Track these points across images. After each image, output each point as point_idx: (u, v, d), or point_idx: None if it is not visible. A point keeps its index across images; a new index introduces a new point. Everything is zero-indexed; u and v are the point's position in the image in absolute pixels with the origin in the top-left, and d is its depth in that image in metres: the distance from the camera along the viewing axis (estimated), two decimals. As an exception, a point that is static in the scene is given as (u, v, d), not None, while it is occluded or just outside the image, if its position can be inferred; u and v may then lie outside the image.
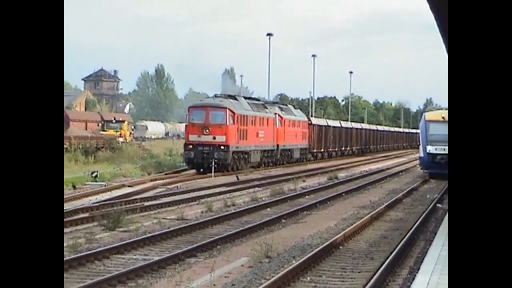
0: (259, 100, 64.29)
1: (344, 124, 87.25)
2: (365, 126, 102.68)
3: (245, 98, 56.71)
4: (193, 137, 47.09)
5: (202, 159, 46.30)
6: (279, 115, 59.18)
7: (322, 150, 73.34)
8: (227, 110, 47.70)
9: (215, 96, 52.21)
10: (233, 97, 52.79)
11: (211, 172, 44.75)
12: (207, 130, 46.61)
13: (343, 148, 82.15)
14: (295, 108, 71.65)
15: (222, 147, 46.38)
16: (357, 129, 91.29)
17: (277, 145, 58.11)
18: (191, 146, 46.71)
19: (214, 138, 46.50)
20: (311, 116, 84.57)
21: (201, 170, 46.56)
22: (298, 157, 64.57)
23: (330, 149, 76.70)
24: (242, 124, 49.62)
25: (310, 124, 69.00)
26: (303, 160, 65.44)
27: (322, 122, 77.47)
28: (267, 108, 58.17)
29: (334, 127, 79.15)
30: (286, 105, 70.38)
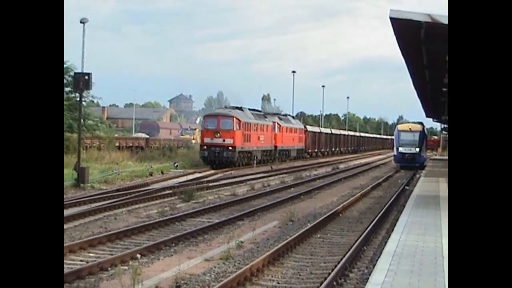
0: (260, 111, 57.85)
1: (334, 131, 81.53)
2: (350, 132, 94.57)
3: (249, 109, 48.79)
4: (207, 140, 41.49)
5: (214, 157, 40.87)
6: (277, 123, 52.84)
7: (316, 150, 68.55)
8: (234, 118, 42.10)
9: (225, 107, 46.76)
10: (240, 108, 45.98)
11: (221, 168, 40.04)
12: (218, 134, 41.15)
13: (333, 149, 76.52)
14: (299, 119, 68.44)
15: (230, 148, 41.14)
16: (344, 135, 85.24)
17: (275, 147, 51.76)
18: (205, 147, 41.30)
19: (224, 140, 41.12)
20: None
21: (214, 166, 40.69)
22: (295, 155, 57.95)
23: (322, 150, 71.46)
24: (246, 130, 43.88)
25: (306, 130, 64.00)
26: (299, 158, 59.17)
27: (315, 129, 71.48)
28: (266, 117, 51.49)
29: (325, 133, 74.04)
30: (286, 115, 62.99)
